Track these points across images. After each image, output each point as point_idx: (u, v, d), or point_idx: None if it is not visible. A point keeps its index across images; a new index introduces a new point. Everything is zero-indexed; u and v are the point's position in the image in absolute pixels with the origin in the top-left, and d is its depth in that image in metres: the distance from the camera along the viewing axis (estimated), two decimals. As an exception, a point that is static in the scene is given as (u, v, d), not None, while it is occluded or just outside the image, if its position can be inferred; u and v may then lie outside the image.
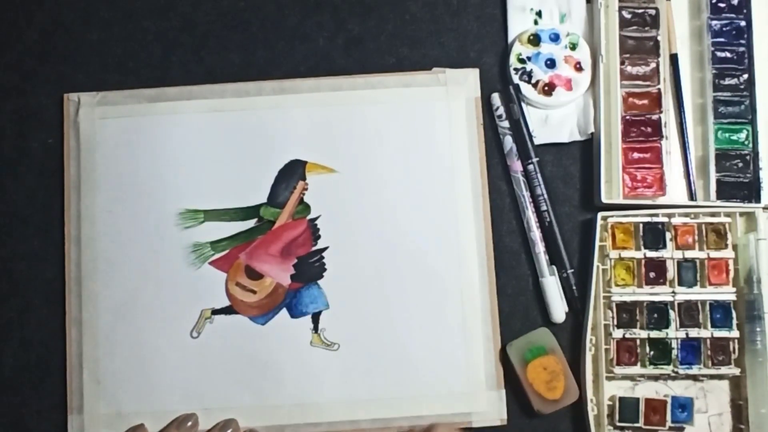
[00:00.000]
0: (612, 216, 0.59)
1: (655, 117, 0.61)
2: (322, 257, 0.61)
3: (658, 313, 0.59)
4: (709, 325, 0.58)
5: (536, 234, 0.61)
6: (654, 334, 0.58)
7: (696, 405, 0.58)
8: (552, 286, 0.60)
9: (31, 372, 0.60)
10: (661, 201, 0.60)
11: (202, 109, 0.62)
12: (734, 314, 0.58)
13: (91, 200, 0.61)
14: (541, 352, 0.58)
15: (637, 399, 0.58)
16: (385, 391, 0.59)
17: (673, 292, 0.59)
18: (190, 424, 0.58)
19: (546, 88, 0.62)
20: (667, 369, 0.58)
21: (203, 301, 0.60)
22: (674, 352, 0.58)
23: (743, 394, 0.59)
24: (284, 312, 0.60)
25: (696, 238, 0.59)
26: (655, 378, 0.59)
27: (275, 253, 0.61)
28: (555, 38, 0.62)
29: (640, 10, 0.62)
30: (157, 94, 0.62)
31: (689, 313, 0.59)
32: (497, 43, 0.63)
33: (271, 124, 0.62)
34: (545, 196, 0.61)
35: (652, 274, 0.59)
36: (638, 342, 0.58)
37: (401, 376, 0.59)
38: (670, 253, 0.59)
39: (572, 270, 0.60)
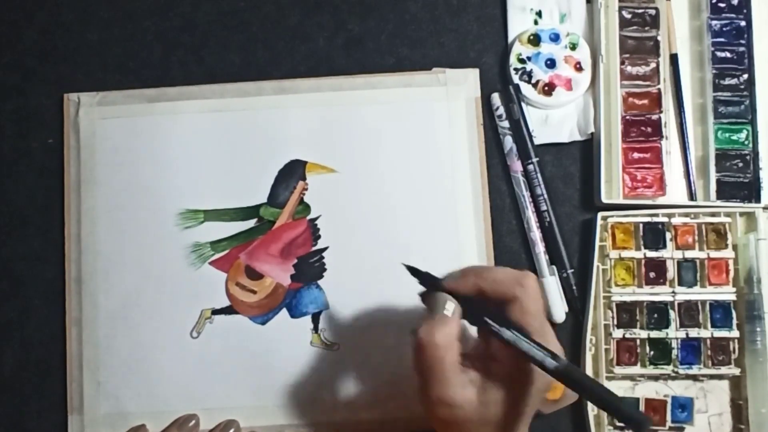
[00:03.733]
0: (612, 216, 0.59)
1: (655, 117, 0.61)
2: (322, 257, 0.61)
3: (658, 313, 0.59)
4: (709, 325, 0.58)
5: (536, 234, 0.61)
6: (654, 334, 0.58)
7: (696, 405, 0.58)
8: (552, 286, 0.60)
9: (31, 372, 0.60)
10: (661, 201, 0.60)
11: (202, 109, 0.62)
12: (734, 314, 0.58)
13: (91, 200, 0.61)
14: (541, 352, 0.58)
15: (637, 399, 0.58)
16: (385, 391, 0.59)
17: (673, 292, 0.59)
18: (191, 424, 0.58)
19: (546, 88, 0.62)
20: (667, 369, 0.58)
21: (203, 301, 0.60)
22: (674, 352, 0.58)
23: (743, 394, 0.59)
24: (284, 312, 0.60)
25: (696, 238, 0.59)
26: (655, 378, 0.59)
27: (275, 253, 0.61)
28: (555, 38, 0.62)
29: (640, 10, 0.62)
30: (157, 94, 0.62)
31: (689, 313, 0.59)
32: (497, 43, 0.63)
33: (271, 124, 0.62)
34: (545, 196, 0.61)
35: (652, 274, 0.59)
36: (638, 342, 0.58)
37: (401, 377, 0.59)
38: (670, 253, 0.59)
39: (572, 270, 0.60)
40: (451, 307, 0.46)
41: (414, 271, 0.49)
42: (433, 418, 0.46)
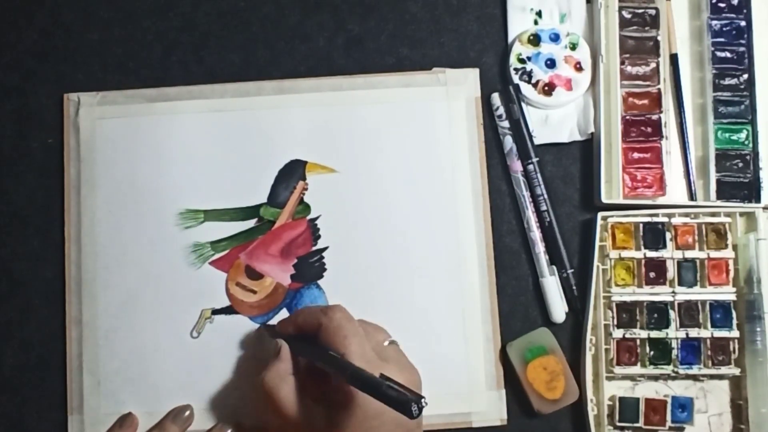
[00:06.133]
0: (612, 216, 0.59)
1: (655, 117, 0.61)
2: (322, 257, 0.61)
3: (658, 313, 0.59)
4: (709, 325, 0.58)
5: (536, 234, 0.61)
6: (654, 334, 0.58)
7: (696, 405, 0.58)
8: (552, 286, 0.60)
9: (31, 372, 0.60)
10: (661, 201, 0.60)
11: (202, 109, 0.62)
12: (734, 314, 0.58)
13: (91, 200, 0.61)
14: (541, 352, 0.58)
15: (637, 399, 0.58)
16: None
17: (673, 292, 0.59)
18: (186, 415, 0.58)
19: (546, 88, 0.62)
20: (667, 369, 0.58)
21: (203, 301, 0.60)
22: (674, 352, 0.58)
23: (743, 394, 0.59)
24: (284, 312, 0.60)
25: (696, 238, 0.59)
26: (655, 378, 0.59)
27: (275, 253, 0.61)
28: (555, 38, 0.62)
29: (640, 10, 0.62)
30: (157, 94, 0.62)
31: (689, 313, 0.59)
32: (497, 43, 0.63)
33: (271, 124, 0.62)
34: (545, 196, 0.61)
35: (652, 274, 0.59)
36: (638, 342, 0.58)
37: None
38: (670, 253, 0.59)
39: (572, 270, 0.60)
40: (276, 345, 0.54)
41: (265, 327, 0.60)
42: None
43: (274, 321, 0.60)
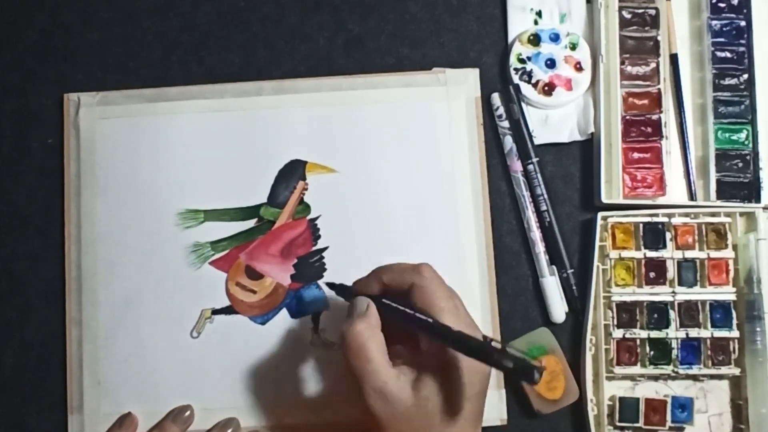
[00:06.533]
0: (612, 216, 0.59)
1: (655, 117, 0.61)
2: (322, 257, 0.61)
3: (658, 313, 0.59)
4: (709, 325, 0.58)
5: (536, 234, 0.61)
6: (654, 334, 0.58)
7: (696, 405, 0.58)
8: (552, 286, 0.60)
9: (31, 372, 0.60)
10: (661, 201, 0.60)
11: (202, 109, 0.62)
12: (734, 314, 0.58)
13: (91, 200, 0.61)
14: (541, 352, 0.58)
15: (637, 399, 0.58)
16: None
17: (673, 292, 0.59)
18: (186, 415, 0.58)
19: (546, 88, 0.62)
20: (667, 369, 0.58)
21: (203, 301, 0.60)
22: (674, 352, 0.58)
23: (743, 394, 0.59)
24: (284, 312, 0.60)
25: (696, 238, 0.59)
26: (655, 378, 0.59)
27: (275, 253, 0.61)
28: (555, 38, 0.62)
29: (640, 10, 0.62)
30: (157, 94, 0.62)
31: (689, 313, 0.59)
32: (497, 43, 0.63)
33: (271, 124, 0.62)
34: (545, 196, 0.61)
35: (652, 274, 0.59)
36: (638, 342, 0.58)
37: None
38: (670, 253, 0.59)
39: (572, 270, 0.60)
40: (364, 303, 0.50)
41: (331, 286, 0.55)
42: (373, 420, 0.47)
43: (279, 317, 0.60)
